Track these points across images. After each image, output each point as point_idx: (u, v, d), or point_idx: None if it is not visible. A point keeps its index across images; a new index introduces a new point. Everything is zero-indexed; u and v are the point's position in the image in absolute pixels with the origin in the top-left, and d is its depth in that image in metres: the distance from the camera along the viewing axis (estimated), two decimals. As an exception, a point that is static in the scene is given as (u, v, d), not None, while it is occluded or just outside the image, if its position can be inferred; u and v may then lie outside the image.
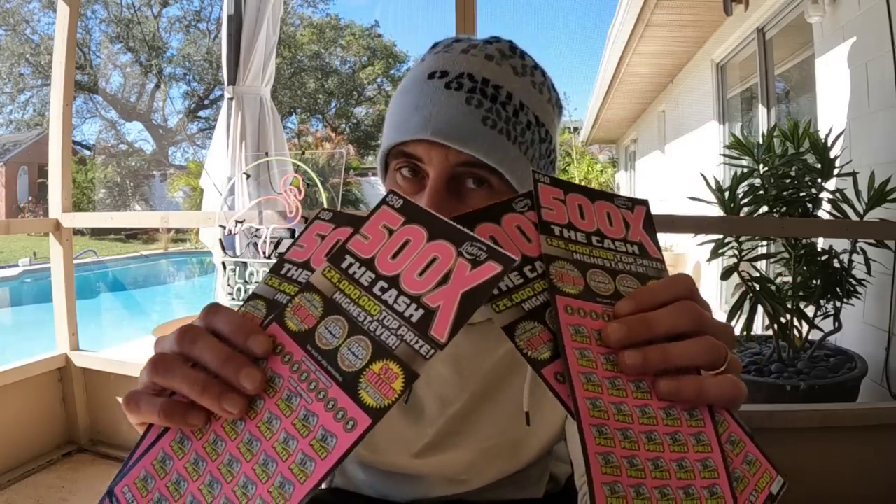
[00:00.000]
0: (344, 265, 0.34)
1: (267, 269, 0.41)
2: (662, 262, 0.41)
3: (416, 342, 0.30)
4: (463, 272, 0.31)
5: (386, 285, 0.32)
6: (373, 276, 0.33)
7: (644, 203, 0.43)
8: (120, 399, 2.24)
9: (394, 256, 0.33)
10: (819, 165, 1.87)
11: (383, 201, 0.36)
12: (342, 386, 0.30)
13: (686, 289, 0.37)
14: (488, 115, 0.55)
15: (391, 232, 0.35)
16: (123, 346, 3.37)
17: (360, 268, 0.34)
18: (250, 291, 0.38)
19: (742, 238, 1.91)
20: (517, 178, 0.57)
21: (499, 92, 0.56)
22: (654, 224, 0.42)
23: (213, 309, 0.36)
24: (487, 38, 0.60)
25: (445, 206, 0.55)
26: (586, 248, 0.38)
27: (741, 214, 1.92)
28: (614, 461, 0.31)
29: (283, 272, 0.39)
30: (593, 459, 0.30)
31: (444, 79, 0.56)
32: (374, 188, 15.63)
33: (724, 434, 0.35)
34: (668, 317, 0.35)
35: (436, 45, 0.62)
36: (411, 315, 0.31)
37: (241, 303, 0.38)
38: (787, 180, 1.92)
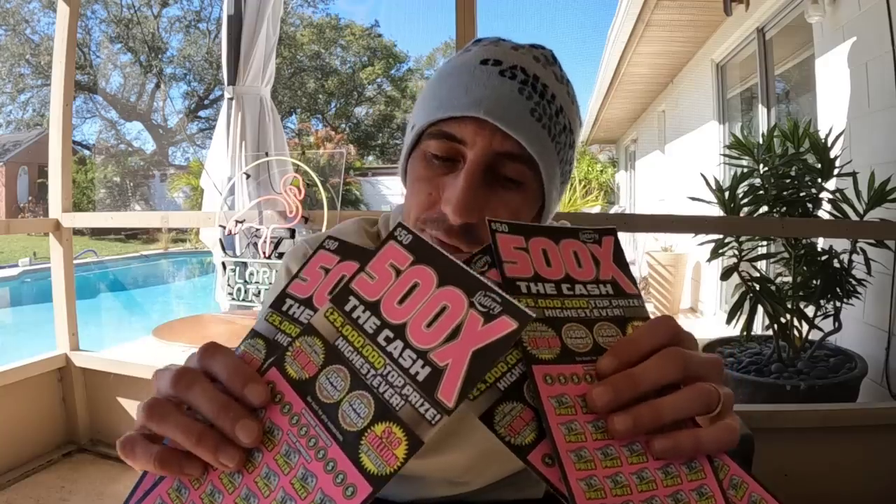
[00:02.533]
0: (347, 307, 0.32)
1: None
2: (639, 296, 0.39)
3: (422, 405, 0.28)
4: (475, 327, 0.29)
5: (391, 335, 0.30)
6: (378, 322, 0.31)
7: (611, 232, 0.41)
8: (121, 399, 2.23)
9: (401, 301, 0.31)
10: (819, 165, 1.87)
11: (391, 236, 0.34)
12: (342, 446, 0.29)
13: (668, 333, 0.36)
14: (536, 108, 0.56)
15: (398, 272, 0.32)
16: (123, 346, 3.36)
17: (364, 311, 0.32)
18: (249, 330, 0.36)
19: (742, 238, 1.91)
20: (548, 174, 0.58)
21: (546, 90, 0.58)
22: (623, 255, 0.40)
23: (211, 350, 0.35)
24: (532, 44, 0.62)
25: (479, 192, 0.54)
26: (557, 301, 0.36)
27: (741, 214, 1.92)
28: None
29: (284, 308, 0.37)
30: None
31: (498, 66, 0.57)
32: (375, 188, 15.63)
33: (724, 479, 0.34)
34: (655, 369, 0.34)
35: (479, 40, 0.63)
36: (417, 373, 0.29)
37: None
38: (787, 180, 1.92)
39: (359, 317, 0.32)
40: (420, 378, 0.28)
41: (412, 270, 0.32)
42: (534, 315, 0.29)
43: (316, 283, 0.37)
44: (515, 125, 0.54)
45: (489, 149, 0.55)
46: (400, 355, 0.29)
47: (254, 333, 0.36)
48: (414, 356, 0.29)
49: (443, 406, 0.28)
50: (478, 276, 0.31)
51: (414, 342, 0.29)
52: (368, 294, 0.32)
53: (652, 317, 0.39)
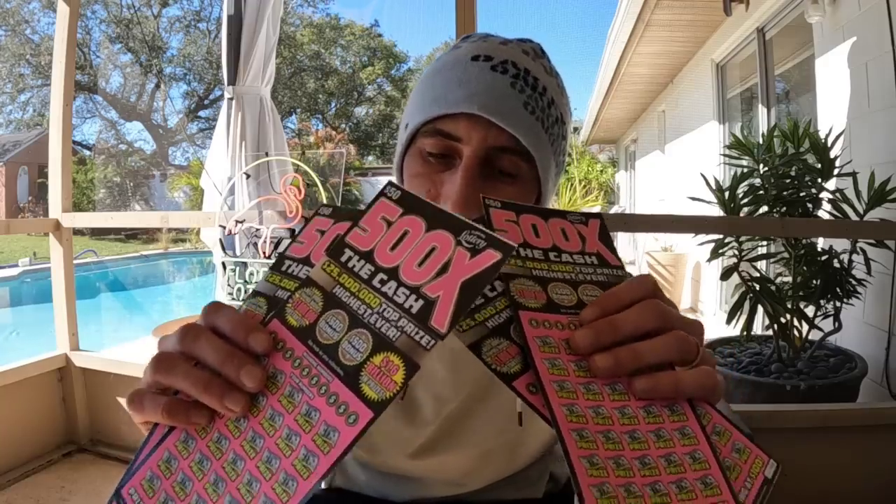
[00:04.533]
0: (343, 258, 0.34)
1: (267, 269, 0.41)
2: (622, 268, 0.41)
3: (417, 333, 0.30)
4: (462, 261, 0.31)
5: (385, 277, 0.32)
6: (372, 268, 0.33)
7: (598, 217, 0.44)
8: (121, 399, 2.23)
9: (392, 248, 0.33)
10: (819, 165, 1.87)
11: (381, 193, 0.36)
12: (343, 380, 0.30)
13: (648, 288, 0.37)
14: (529, 101, 0.56)
15: (389, 224, 0.34)
16: (123, 346, 3.36)
17: (359, 261, 0.33)
18: (251, 290, 0.38)
19: (742, 238, 1.91)
20: (543, 166, 0.59)
21: (537, 83, 0.58)
22: (609, 235, 0.43)
23: (214, 307, 0.36)
24: (519, 38, 0.63)
25: (477, 187, 0.55)
26: (545, 264, 0.38)
27: (741, 214, 1.92)
28: (599, 463, 0.30)
29: (283, 268, 0.39)
30: (577, 463, 0.30)
31: (490, 62, 0.57)
32: (374, 188, 15.62)
33: (708, 426, 0.35)
34: (634, 316, 0.35)
35: (468, 36, 0.64)
36: (411, 306, 0.31)
37: (241, 302, 0.38)
38: (787, 180, 1.92)
39: (354, 266, 0.33)
40: (414, 310, 0.30)
41: (402, 220, 0.34)
42: (515, 245, 0.31)
43: (312, 244, 0.39)
44: (510, 119, 0.55)
45: (485, 144, 0.55)
46: (394, 293, 0.31)
47: (255, 293, 0.38)
48: (407, 292, 0.31)
49: (436, 332, 0.30)
50: (462, 218, 0.33)
51: (407, 280, 0.31)
52: (362, 245, 0.34)
53: None
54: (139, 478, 0.34)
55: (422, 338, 0.30)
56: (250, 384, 0.32)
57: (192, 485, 0.32)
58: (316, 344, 0.32)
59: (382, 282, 0.32)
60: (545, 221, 0.41)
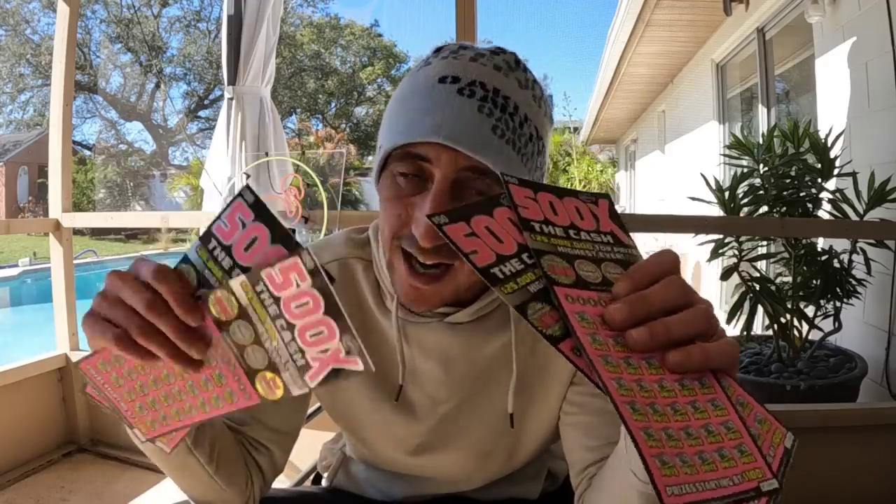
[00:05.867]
0: (258, 289, 0.38)
1: (197, 239, 0.44)
2: (635, 247, 0.43)
3: (296, 378, 0.39)
4: (338, 354, 0.38)
5: (285, 325, 0.38)
6: (278, 311, 0.38)
7: (606, 197, 0.46)
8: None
9: (246, 249, 0.40)
10: (819, 165, 1.87)
11: (239, 195, 0.41)
12: (245, 372, 0.41)
13: (673, 264, 0.39)
14: (498, 125, 0.55)
15: (244, 225, 0.40)
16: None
17: (270, 300, 0.38)
18: (188, 257, 0.42)
19: (742, 238, 1.91)
20: None
21: (507, 103, 0.56)
22: (618, 215, 0.45)
23: (154, 268, 0.41)
24: (493, 49, 0.60)
25: (448, 208, 0.54)
26: (567, 241, 0.40)
27: (741, 214, 1.92)
28: (654, 434, 0.33)
29: (210, 247, 0.41)
30: (638, 435, 0.32)
31: (457, 84, 0.56)
32: (374, 188, 15.62)
33: (732, 397, 0.37)
34: (663, 292, 0.37)
35: (439, 49, 0.62)
36: (297, 360, 0.39)
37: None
38: (787, 180, 1.92)
39: (265, 300, 0.39)
40: (298, 363, 0.39)
41: (253, 226, 0.40)
42: (371, 366, 0.37)
43: (234, 234, 0.41)
44: (477, 146, 0.53)
45: (454, 166, 0.54)
46: (288, 343, 0.39)
47: (187, 259, 0.42)
48: (297, 349, 0.39)
49: (307, 384, 0.39)
50: (341, 312, 0.38)
51: (299, 340, 0.38)
52: (275, 289, 0.38)
53: None
54: (94, 361, 0.45)
55: (298, 382, 0.39)
56: (197, 355, 0.40)
57: (136, 376, 0.45)
58: (228, 336, 0.40)
59: (282, 328, 0.38)
60: (560, 200, 0.43)
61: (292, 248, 0.38)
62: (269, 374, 0.40)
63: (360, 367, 0.37)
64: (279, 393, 0.40)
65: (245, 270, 0.39)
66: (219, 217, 0.41)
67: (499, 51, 0.60)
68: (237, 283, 0.39)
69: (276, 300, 0.38)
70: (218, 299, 0.39)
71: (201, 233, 0.44)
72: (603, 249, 0.41)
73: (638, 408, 0.33)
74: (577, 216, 0.43)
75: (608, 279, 0.39)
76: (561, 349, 0.35)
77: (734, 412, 0.35)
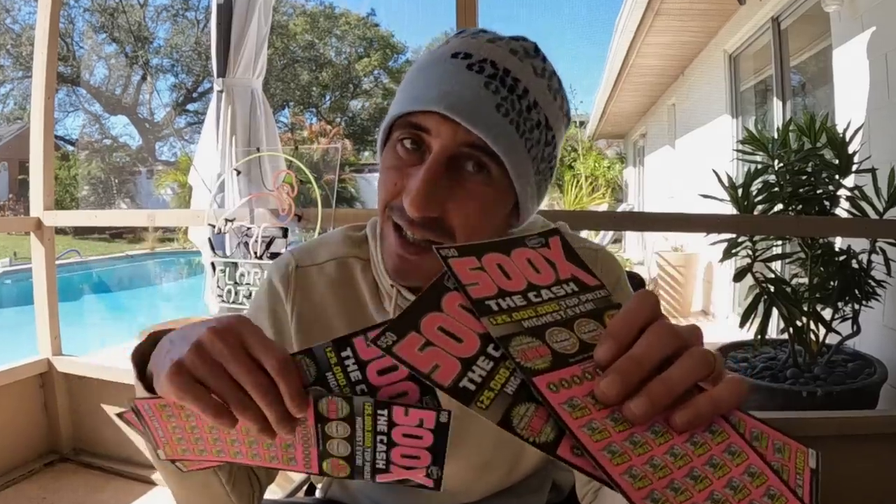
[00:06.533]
0: (379, 412, 0.39)
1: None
2: (602, 286, 0.42)
3: (368, 473, 0.41)
4: (418, 474, 0.40)
5: (385, 441, 0.40)
6: (386, 432, 0.40)
7: (556, 232, 0.44)
8: (106, 406, 2.22)
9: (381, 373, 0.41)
10: (836, 161, 1.87)
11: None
12: (319, 454, 0.42)
13: (653, 307, 0.37)
14: (503, 104, 0.57)
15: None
16: (108, 351, 3.36)
17: (384, 423, 0.39)
18: (313, 352, 0.42)
19: (756, 237, 1.91)
20: (517, 172, 0.59)
21: (517, 84, 0.58)
22: (573, 250, 0.43)
23: (281, 360, 0.40)
24: (514, 36, 0.63)
25: (440, 183, 0.56)
26: (530, 311, 0.38)
27: (755, 213, 1.92)
28: None
29: (342, 355, 0.41)
30: None
31: (467, 60, 0.58)
32: (371, 185, 15.62)
33: (745, 433, 0.35)
34: (652, 345, 0.35)
35: (461, 31, 0.64)
36: (378, 464, 0.41)
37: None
38: (804, 177, 1.92)
39: (381, 418, 0.40)
40: (379, 466, 0.41)
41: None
42: (437, 398, 0.38)
43: (374, 353, 0.41)
44: (478, 121, 0.55)
45: (452, 140, 0.56)
46: (378, 452, 0.40)
47: (311, 354, 0.41)
48: (383, 458, 0.40)
49: (374, 480, 0.41)
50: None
51: (392, 458, 0.40)
52: (395, 417, 0.39)
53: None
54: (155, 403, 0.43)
55: (367, 475, 0.41)
56: (285, 434, 0.40)
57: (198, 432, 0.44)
58: (321, 427, 0.41)
59: (381, 442, 0.40)
60: (508, 256, 0.41)
61: (433, 406, 0.39)
62: (342, 462, 0.41)
63: (431, 486, 0.39)
64: (343, 475, 0.41)
65: (372, 389, 0.40)
66: (364, 332, 0.41)
67: (519, 38, 0.62)
68: (361, 401, 0.39)
69: (392, 425, 0.39)
70: (331, 403, 0.40)
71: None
72: (570, 304, 0.39)
73: (658, 496, 0.32)
74: (531, 271, 0.41)
75: (586, 342, 0.37)
76: (560, 456, 0.33)
77: (753, 453, 0.34)
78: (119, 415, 0.46)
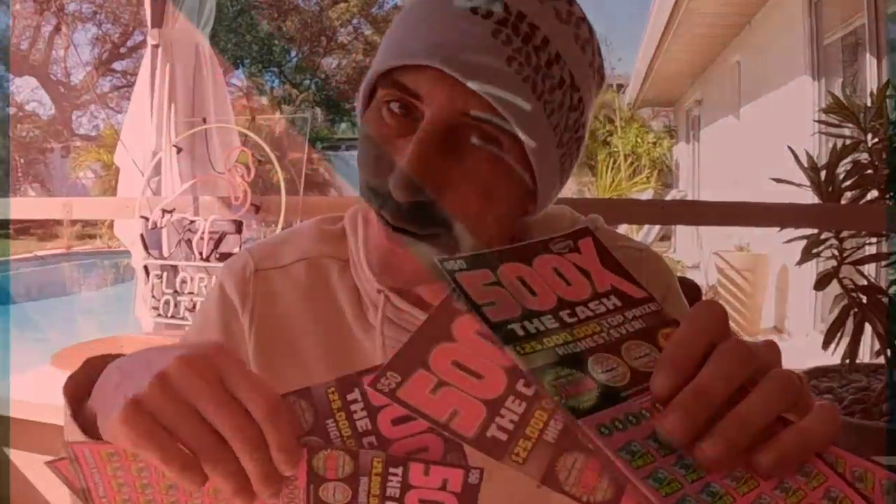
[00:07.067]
0: (391, 470, 0.39)
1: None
2: (652, 298, 0.41)
3: None
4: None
5: (398, 493, 0.39)
6: (398, 496, 0.40)
7: (587, 233, 0.44)
8: (9, 451, 2.21)
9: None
10: (947, 136, 1.88)
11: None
12: None
13: (719, 320, 0.37)
14: (516, 56, 0.56)
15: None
16: (12, 379, 3.36)
17: (397, 486, 0.39)
18: (311, 392, 0.42)
19: (844, 234, 1.91)
20: (533, 144, 0.58)
21: (534, 33, 0.57)
22: (610, 254, 0.43)
23: (272, 405, 0.39)
24: None
25: (436, 163, 0.56)
26: (565, 334, 0.37)
27: (842, 202, 1.93)
28: None
29: (348, 398, 0.41)
30: None
31: (471, 2, 0.57)
32: (349, 165, 15.65)
33: (845, 473, 0.35)
34: (722, 373, 0.35)
35: None
36: None
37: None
38: (905, 156, 1.93)
39: (392, 478, 0.40)
40: None
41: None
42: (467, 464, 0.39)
43: (388, 401, 0.40)
44: (482, 77, 0.54)
45: (450, 107, 0.55)
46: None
47: (309, 395, 0.41)
48: None
49: None
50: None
51: None
52: (411, 479, 0.40)
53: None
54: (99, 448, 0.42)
55: None
56: (268, 499, 0.40)
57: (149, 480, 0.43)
58: (314, 489, 0.40)
59: (392, 499, 0.40)
60: (530, 266, 0.40)
61: (460, 463, 0.39)
62: None
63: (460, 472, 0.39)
64: None
65: (384, 442, 0.40)
66: (372, 372, 0.41)
67: None
68: (370, 456, 0.39)
69: (406, 488, 0.39)
70: (330, 457, 0.39)
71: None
72: (613, 324, 0.39)
73: None
74: (561, 284, 0.40)
75: (639, 370, 0.37)
76: None
77: (858, 497, 0.34)
78: (49, 463, 0.45)
